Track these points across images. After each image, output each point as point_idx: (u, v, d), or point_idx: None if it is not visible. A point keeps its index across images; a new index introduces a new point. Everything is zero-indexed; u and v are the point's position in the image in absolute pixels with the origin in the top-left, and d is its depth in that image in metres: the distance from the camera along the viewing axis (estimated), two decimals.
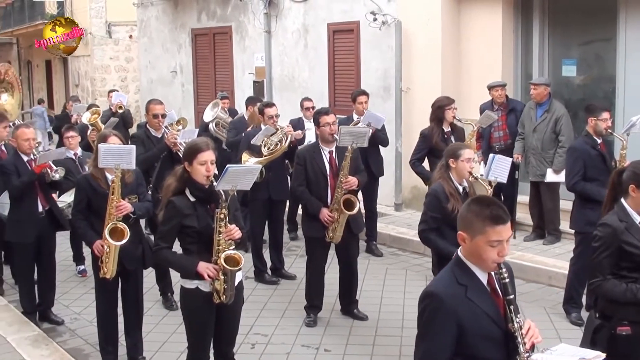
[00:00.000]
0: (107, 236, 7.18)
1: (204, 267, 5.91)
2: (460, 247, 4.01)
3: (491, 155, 7.91)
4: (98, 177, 7.40)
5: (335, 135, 8.64)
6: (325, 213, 8.53)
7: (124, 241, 7.21)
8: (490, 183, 7.44)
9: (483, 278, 3.94)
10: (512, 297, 3.91)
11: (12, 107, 13.36)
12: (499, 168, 7.70)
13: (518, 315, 3.90)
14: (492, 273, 3.95)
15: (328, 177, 8.65)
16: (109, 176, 7.36)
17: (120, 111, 14.77)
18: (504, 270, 3.90)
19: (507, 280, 3.91)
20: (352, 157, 8.55)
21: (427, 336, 3.90)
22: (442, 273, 4.08)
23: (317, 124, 8.84)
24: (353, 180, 8.53)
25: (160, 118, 9.75)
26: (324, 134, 8.71)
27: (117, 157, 7.22)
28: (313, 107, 11.94)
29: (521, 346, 3.84)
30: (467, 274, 3.92)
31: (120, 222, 7.25)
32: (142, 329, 7.86)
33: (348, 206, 8.48)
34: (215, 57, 19.49)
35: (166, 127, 9.84)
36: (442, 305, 3.82)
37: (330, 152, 8.70)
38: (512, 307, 3.89)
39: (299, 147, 9.84)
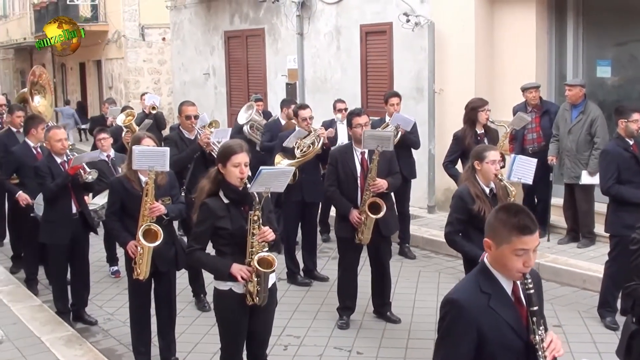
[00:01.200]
0: (141, 238, 7.21)
1: (237, 268, 5.91)
2: (485, 253, 3.94)
3: (512, 155, 7.85)
4: (132, 179, 7.45)
5: None
6: (354, 214, 8.50)
7: (158, 243, 7.23)
8: (522, 185, 7.36)
9: (508, 287, 3.86)
10: (536, 308, 3.83)
11: (45, 109, 13.50)
12: (522, 169, 7.62)
13: (540, 328, 3.81)
14: (518, 282, 3.87)
15: (358, 178, 8.60)
16: (143, 178, 7.40)
17: (153, 112, 14.86)
18: (529, 280, 3.80)
19: (532, 291, 3.81)
20: (387, 158, 8.52)
21: (446, 343, 3.86)
22: (466, 280, 4.02)
23: (349, 124, 8.83)
24: (381, 183, 8.45)
25: (193, 119, 9.78)
26: (356, 135, 8.67)
27: (151, 159, 7.24)
28: (346, 109, 11.92)
29: (541, 359, 3.78)
30: (492, 282, 3.85)
31: (154, 224, 7.28)
32: (175, 330, 7.89)
33: (374, 209, 8.44)
34: (248, 60, 19.53)
35: (199, 128, 9.88)
36: (463, 313, 3.76)
37: (362, 153, 8.63)
38: (534, 318, 3.81)
39: (332, 148, 9.83)
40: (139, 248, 7.28)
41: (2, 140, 11.53)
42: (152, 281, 7.59)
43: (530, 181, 7.74)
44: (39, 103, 13.57)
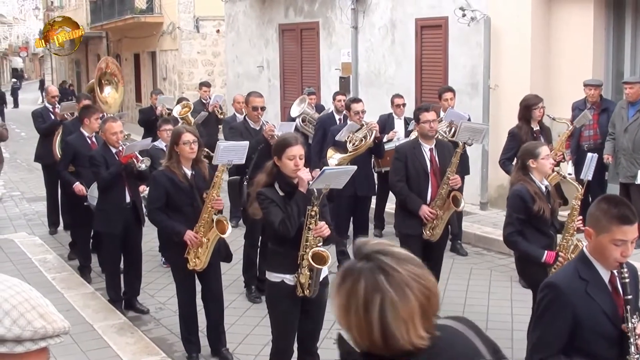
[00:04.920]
0: (215, 227, 7.27)
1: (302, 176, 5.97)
2: (585, 244, 4.12)
3: (589, 154, 7.70)
4: (176, 172, 7.42)
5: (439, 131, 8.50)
6: (425, 210, 8.31)
7: (228, 233, 7.28)
8: (582, 182, 7.24)
9: (605, 276, 4.03)
10: (630, 297, 3.96)
11: (113, 101, 13.64)
12: (592, 167, 7.53)
13: (634, 317, 3.94)
14: (615, 272, 4.02)
15: (429, 175, 8.46)
16: (187, 171, 7.44)
17: (221, 116, 15.04)
18: (625, 270, 3.97)
19: (627, 280, 3.97)
20: (449, 154, 8.42)
21: (542, 324, 4.05)
22: (566, 266, 4.28)
23: (417, 120, 8.58)
24: (458, 179, 8.37)
25: (259, 110, 9.80)
26: (424, 131, 8.45)
27: (233, 153, 7.33)
28: (404, 104, 11.87)
29: (632, 347, 3.90)
30: (590, 269, 4.02)
31: (223, 216, 7.33)
32: (226, 321, 7.91)
33: (456, 203, 8.34)
34: (302, 53, 19.54)
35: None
36: (560, 297, 3.94)
37: (431, 150, 8.45)
38: (628, 307, 3.95)
39: (398, 144, 9.75)
40: (204, 239, 7.31)
41: (68, 128, 11.73)
42: (195, 274, 7.62)
43: (590, 177, 7.61)
44: (109, 94, 13.70)
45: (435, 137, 8.60)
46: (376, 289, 2.34)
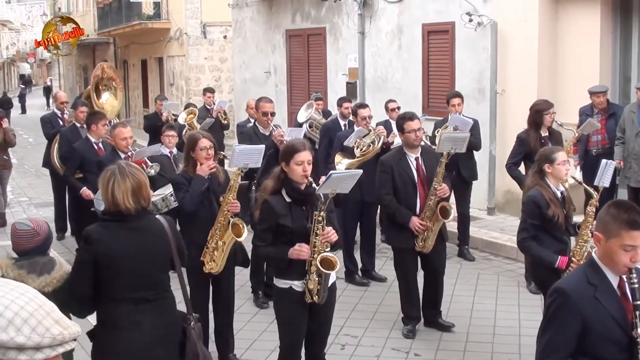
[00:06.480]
0: (230, 230, 7.28)
1: (294, 251, 5.94)
2: (595, 249, 4.12)
3: (604, 161, 7.67)
4: (193, 175, 7.47)
5: (425, 142, 8.44)
6: (416, 222, 8.22)
7: (244, 236, 7.29)
8: (597, 188, 7.22)
9: (614, 281, 4.02)
10: (639, 302, 3.95)
11: (111, 108, 13.65)
12: (608, 174, 7.52)
13: None
14: (624, 277, 4.02)
15: (417, 185, 8.36)
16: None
17: (225, 122, 15.06)
18: (634, 275, 3.96)
19: (636, 285, 3.96)
20: (436, 162, 8.35)
21: (550, 329, 4.04)
22: (575, 271, 4.30)
23: (401, 130, 8.47)
24: (447, 188, 8.24)
25: (269, 116, 9.81)
26: (409, 141, 8.36)
27: (249, 156, 7.36)
28: (398, 108, 11.81)
29: None
30: (599, 275, 4.01)
31: (239, 219, 7.34)
32: (233, 327, 7.90)
33: (444, 214, 8.24)
34: (309, 58, 19.56)
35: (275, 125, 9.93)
36: (568, 301, 3.94)
37: (417, 159, 8.37)
38: (637, 312, 3.94)
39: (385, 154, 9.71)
40: (220, 242, 7.31)
41: (66, 135, 11.75)
42: (210, 277, 7.61)
43: (608, 184, 7.60)
44: (107, 100, 13.74)
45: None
46: (113, 174, 5.10)
